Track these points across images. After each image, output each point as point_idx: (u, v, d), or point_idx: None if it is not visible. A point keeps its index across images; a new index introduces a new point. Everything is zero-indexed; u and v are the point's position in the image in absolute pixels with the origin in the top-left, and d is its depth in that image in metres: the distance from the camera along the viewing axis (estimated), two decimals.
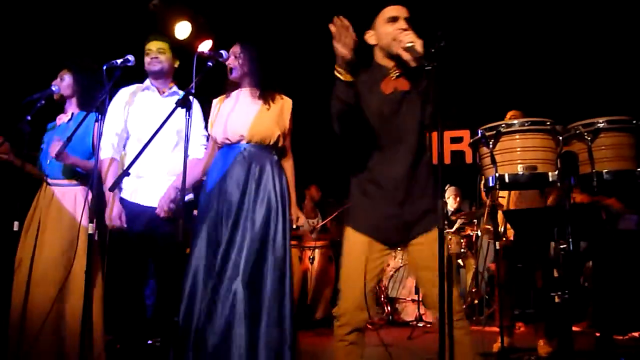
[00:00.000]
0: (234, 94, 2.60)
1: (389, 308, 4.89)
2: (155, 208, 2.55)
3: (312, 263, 4.82)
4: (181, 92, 2.74)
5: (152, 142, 2.14)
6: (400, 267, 4.99)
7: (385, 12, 2.02)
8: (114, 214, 2.56)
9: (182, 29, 4.76)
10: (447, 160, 6.36)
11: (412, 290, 4.81)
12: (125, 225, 2.58)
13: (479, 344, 3.58)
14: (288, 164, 2.64)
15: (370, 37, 2.08)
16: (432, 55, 1.96)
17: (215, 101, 2.67)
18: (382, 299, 5.03)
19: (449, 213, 5.13)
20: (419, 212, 1.85)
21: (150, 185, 2.63)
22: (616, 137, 1.62)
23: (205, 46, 4.50)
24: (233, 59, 2.53)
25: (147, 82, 2.81)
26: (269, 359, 2.22)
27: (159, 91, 2.78)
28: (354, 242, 1.95)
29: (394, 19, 1.99)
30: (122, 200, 2.63)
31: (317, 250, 4.87)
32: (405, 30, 1.92)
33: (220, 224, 2.35)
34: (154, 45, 2.75)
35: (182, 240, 2.19)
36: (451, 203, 5.23)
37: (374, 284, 1.93)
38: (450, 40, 2.01)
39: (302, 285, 4.75)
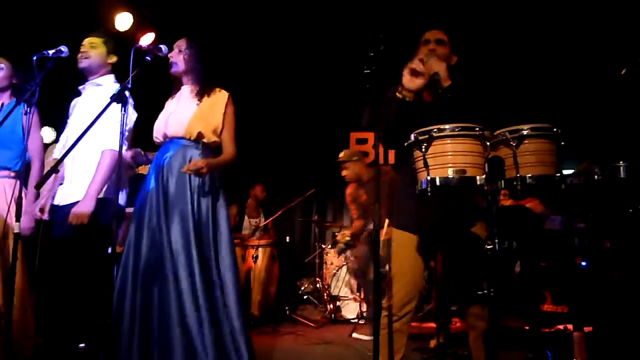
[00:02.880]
0: (179, 91, 2.57)
1: (331, 306, 4.94)
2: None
3: (255, 262, 4.80)
4: (101, 82, 2.69)
5: (80, 140, 2.07)
6: (343, 265, 5.06)
7: (423, 35, 2.29)
8: (35, 206, 2.53)
9: (123, 21, 4.59)
10: None
11: (354, 288, 4.89)
12: (46, 218, 2.53)
13: (416, 340, 3.73)
14: (225, 154, 2.50)
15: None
16: (371, 59, 2.03)
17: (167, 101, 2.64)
18: (325, 297, 5.08)
19: None
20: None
21: (79, 184, 2.54)
22: (539, 143, 1.70)
23: (146, 39, 4.37)
24: (177, 52, 2.49)
25: None
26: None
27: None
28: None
29: (426, 42, 2.26)
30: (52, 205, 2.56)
31: (260, 249, 4.85)
32: (433, 50, 2.19)
33: (154, 222, 2.30)
34: (87, 41, 2.70)
35: (114, 239, 2.12)
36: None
37: None
38: (390, 44, 2.07)
39: (245, 284, 4.72)
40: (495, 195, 1.73)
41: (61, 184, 2.58)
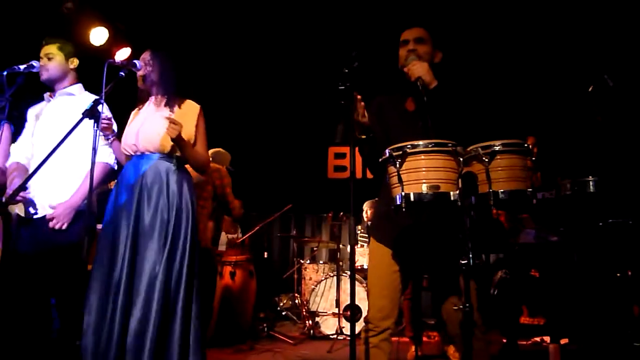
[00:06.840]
0: (147, 103, 2.56)
1: (309, 322, 4.90)
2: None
3: (232, 279, 4.74)
4: (73, 91, 2.67)
5: (54, 153, 2.02)
6: (322, 280, 5.03)
7: (401, 36, 2.21)
8: None
9: (98, 35, 4.54)
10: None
11: (333, 303, 4.86)
12: None
13: (393, 353, 3.73)
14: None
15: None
16: (346, 76, 2.05)
17: (133, 112, 2.60)
18: (303, 313, 5.03)
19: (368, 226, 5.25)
20: None
21: (47, 197, 2.49)
22: (510, 159, 1.73)
23: (122, 54, 4.33)
24: (142, 65, 2.48)
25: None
26: None
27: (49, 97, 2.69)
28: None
29: (404, 42, 2.18)
30: (18, 217, 2.47)
31: (237, 265, 4.80)
32: (413, 50, 2.13)
33: (122, 239, 2.25)
34: (42, 52, 2.66)
35: (86, 257, 2.07)
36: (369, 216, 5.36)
37: None
38: (364, 61, 2.10)
39: (223, 301, 4.64)
40: (470, 210, 1.75)
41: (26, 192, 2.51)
